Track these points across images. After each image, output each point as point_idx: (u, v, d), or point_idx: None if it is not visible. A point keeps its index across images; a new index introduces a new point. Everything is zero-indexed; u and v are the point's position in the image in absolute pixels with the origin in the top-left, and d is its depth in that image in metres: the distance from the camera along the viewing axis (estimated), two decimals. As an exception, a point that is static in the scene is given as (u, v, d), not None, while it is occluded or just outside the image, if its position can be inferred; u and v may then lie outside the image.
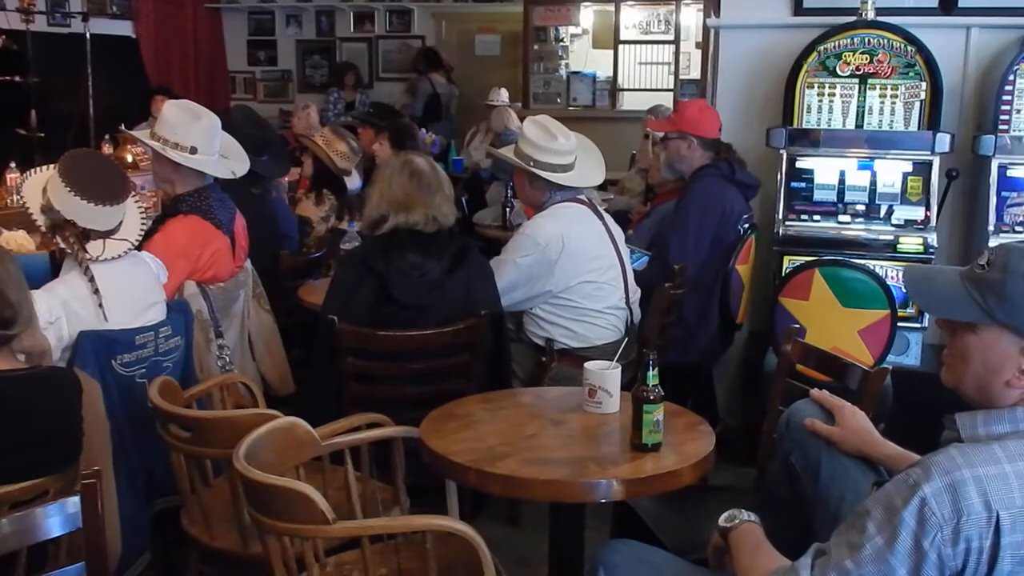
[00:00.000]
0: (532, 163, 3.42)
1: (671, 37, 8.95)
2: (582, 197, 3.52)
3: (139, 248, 2.82)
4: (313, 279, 3.97)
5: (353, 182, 4.77)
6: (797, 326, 2.91)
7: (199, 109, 3.38)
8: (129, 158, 5.81)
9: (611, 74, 9.14)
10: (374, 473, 2.57)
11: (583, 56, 9.52)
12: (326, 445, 2.35)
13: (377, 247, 2.98)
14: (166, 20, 9.14)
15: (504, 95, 7.01)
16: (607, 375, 2.43)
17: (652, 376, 2.21)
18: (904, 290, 1.78)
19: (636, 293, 3.63)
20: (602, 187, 6.04)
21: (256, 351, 3.56)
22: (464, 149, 7.47)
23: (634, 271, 3.71)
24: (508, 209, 5.16)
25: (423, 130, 7.63)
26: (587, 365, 2.47)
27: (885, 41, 3.88)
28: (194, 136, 3.28)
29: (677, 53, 8.87)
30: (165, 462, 2.48)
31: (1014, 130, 3.80)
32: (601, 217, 3.55)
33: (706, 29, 4.63)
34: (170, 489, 2.59)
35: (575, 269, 3.37)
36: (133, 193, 2.79)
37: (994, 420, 1.58)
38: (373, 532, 1.94)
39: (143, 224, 2.81)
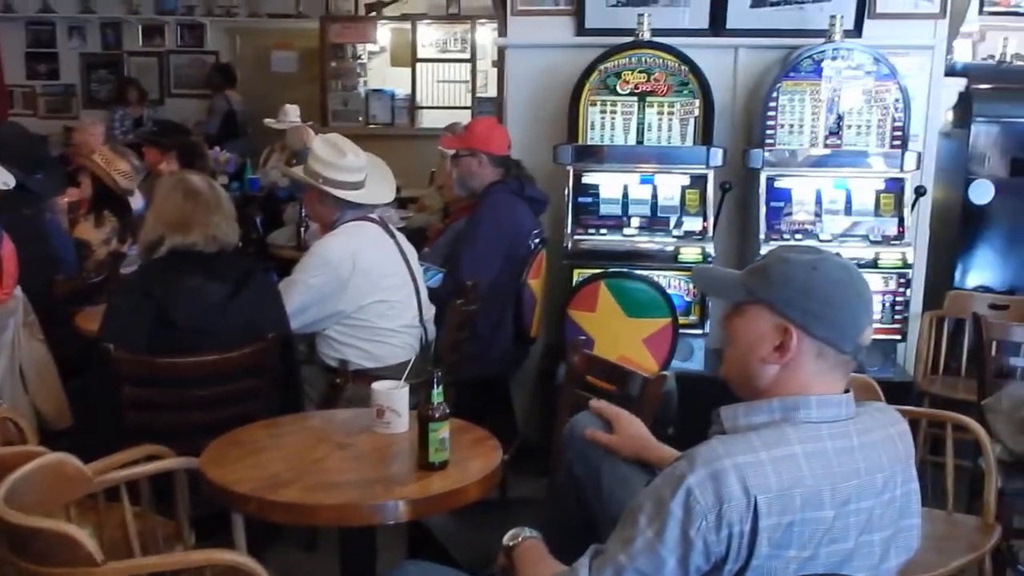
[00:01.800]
0: (322, 180, 3.38)
1: (468, 56, 9.08)
2: (373, 216, 3.50)
3: None
4: (92, 305, 3.77)
5: (136, 203, 4.57)
6: (583, 338, 3.00)
7: (-37, 125, 3.15)
8: None
9: (410, 92, 9.18)
10: (155, 508, 2.46)
11: (382, 74, 9.50)
12: (99, 481, 2.23)
13: (155, 270, 2.87)
14: (-69, 30, 8.50)
15: (292, 113, 6.76)
16: (394, 395, 2.42)
17: (437, 394, 2.21)
18: (691, 278, 1.91)
19: (430, 311, 3.64)
20: (402, 205, 6.06)
21: (28, 383, 3.35)
22: (260, 168, 7.28)
23: (429, 288, 3.73)
24: (303, 229, 5.07)
25: (217, 148, 7.42)
26: (374, 385, 2.46)
27: (660, 61, 4.05)
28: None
29: (474, 71, 9.00)
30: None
31: (779, 144, 4.05)
32: (393, 235, 3.54)
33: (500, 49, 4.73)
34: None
35: (367, 288, 3.35)
36: None
37: (753, 411, 1.67)
38: (148, 570, 1.85)
39: None
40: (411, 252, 3.60)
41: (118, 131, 8.62)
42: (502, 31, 4.61)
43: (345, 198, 3.39)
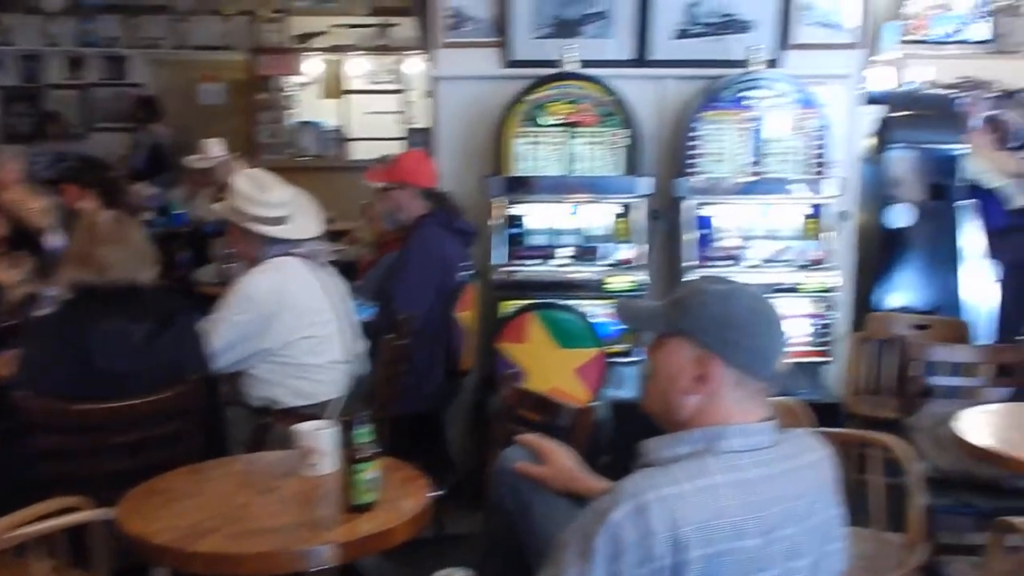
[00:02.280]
0: (245, 217, 3.33)
1: (398, 87, 9.09)
2: (299, 251, 3.45)
3: None
4: (5, 349, 3.64)
5: (55, 242, 4.45)
6: (514, 371, 2.99)
7: None
8: None
9: (340, 124, 9.14)
10: (75, 562, 2.37)
11: (311, 105, 9.46)
12: (8, 538, 2.14)
13: (69, 311, 2.79)
14: None
15: (216, 148, 6.46)
16: (319, 435, 2.37)
17: (362, 434, 2.17)
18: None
19: (361, 346, 3.60)
20: (334, 237, 5.98)
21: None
22: (187, 202, 7.14)
23: (362, 322, 3.68)
24: (229, 265, 4.96)
25: (143, 183, 7.27)
26: (298, 426, 2.41)
27: (586, 91, 4.08)
28: None
29: (404, 103, 9.01)
30: None
31: (705, 172, 4.09)
32: (320, 270, 3.49)
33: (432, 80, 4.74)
34: None
35: (294, 324, 3.29)
36: None
37: (676, 443, 1.67)
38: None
39: None
40: (341, 287, 3.55)
41: (38, 167, 8.41)
42: (433, 63, 4.62)
43: (269, 234, 3.34)
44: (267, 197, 3.34)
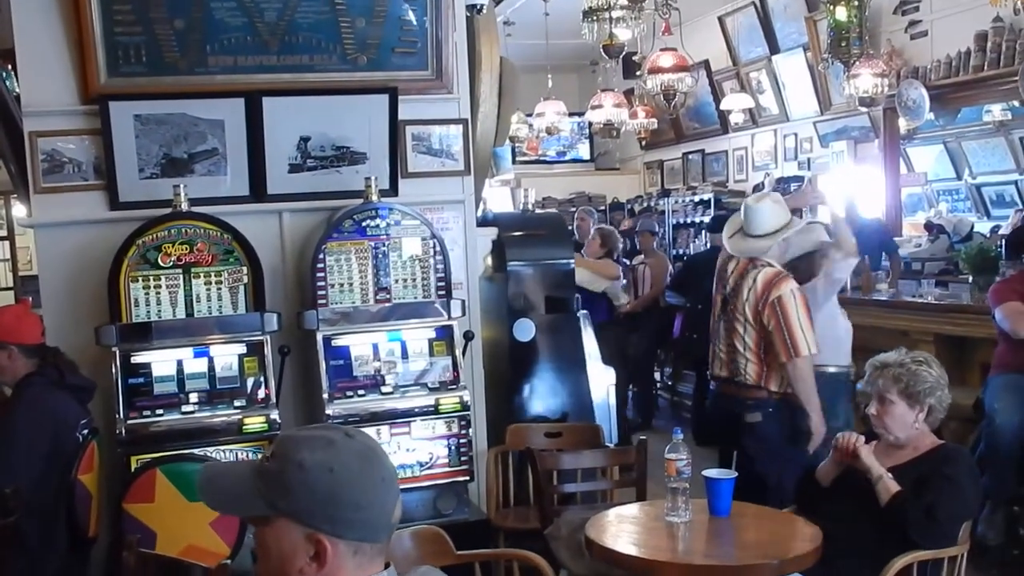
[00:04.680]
0: None
1: (4, 233, 8.41)
2: None
3: None
4: None
5: None
6: (137, 536, 2.76)
7: None
8: None
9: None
10: None
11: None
12: None
13: None
14: None
15: None
16: None
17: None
18: (198, 493, 1.74)
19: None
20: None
21: None
22: None
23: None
24: None
25: None
26: None
27: (202, 230, 3.95)
28: None
29: (13, 249, 8.35)
30: None
31: (332, 303, 4.08)
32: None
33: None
34: None
35: None
36: None
37: None
38: None
39: None
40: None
41: None
42: (28, 211, 4.29)
43: None
44: None
